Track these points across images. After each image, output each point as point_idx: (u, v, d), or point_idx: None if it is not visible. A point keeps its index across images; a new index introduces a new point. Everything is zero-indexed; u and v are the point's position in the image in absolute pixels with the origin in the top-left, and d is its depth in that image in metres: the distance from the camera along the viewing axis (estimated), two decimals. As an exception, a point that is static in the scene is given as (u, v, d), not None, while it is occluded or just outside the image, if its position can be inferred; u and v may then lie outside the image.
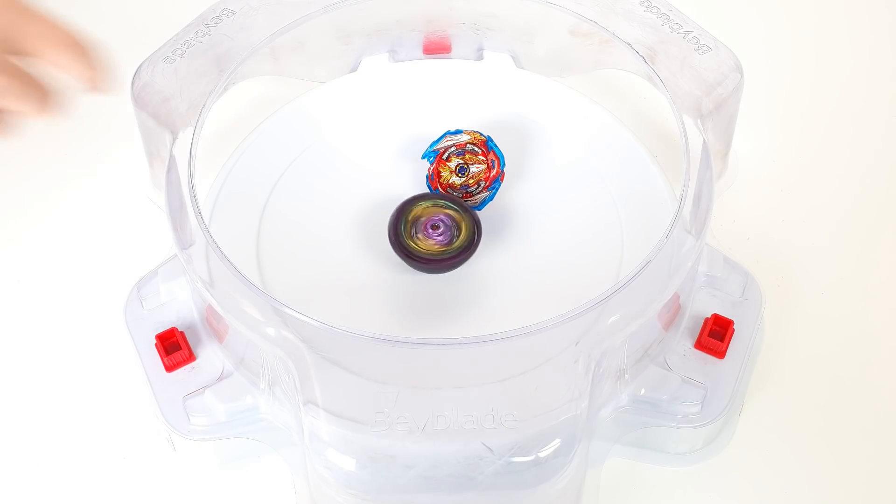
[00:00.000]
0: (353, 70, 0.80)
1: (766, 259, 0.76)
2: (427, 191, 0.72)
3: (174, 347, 0.68)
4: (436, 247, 0.68)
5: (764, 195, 0.80)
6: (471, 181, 0.71)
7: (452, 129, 0.72)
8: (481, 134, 0.72)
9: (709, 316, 0.69)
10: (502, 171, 0.71)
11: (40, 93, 0.59)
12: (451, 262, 0.68)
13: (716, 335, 0.68)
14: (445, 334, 0.63)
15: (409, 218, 0.69)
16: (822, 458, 0.69)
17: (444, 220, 0.68)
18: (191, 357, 0.68)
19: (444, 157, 0.71)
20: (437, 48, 0.80)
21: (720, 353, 0.68)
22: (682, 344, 0.68)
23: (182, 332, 0.68)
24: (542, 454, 0.60)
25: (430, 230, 0.68)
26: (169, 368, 0.67)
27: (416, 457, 0.60)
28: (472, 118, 0.76)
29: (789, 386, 0.71)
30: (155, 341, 0.68)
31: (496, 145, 0.71)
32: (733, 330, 0.68)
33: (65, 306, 0.75)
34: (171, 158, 0.68)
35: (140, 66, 0.72)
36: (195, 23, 0.74)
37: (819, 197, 0.80)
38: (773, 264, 0.76)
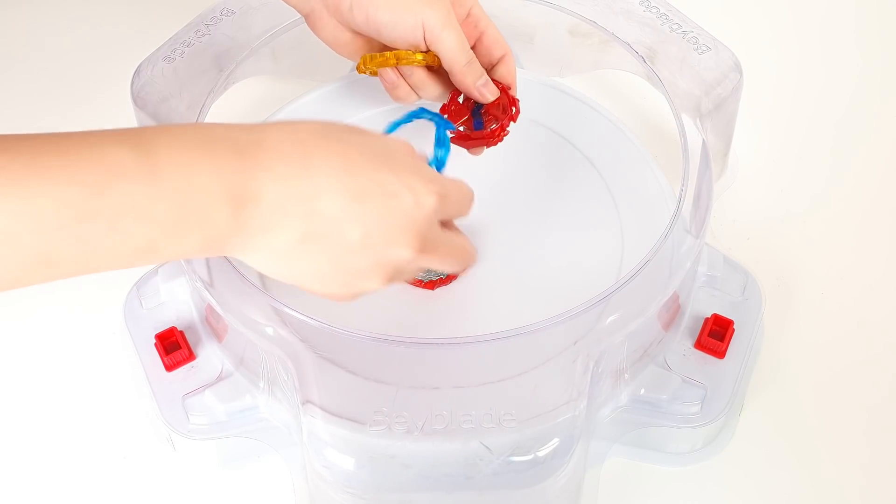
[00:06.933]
0: (353, 70, 0.80)
1: (766, 259, 0.76)
2: None
3: (174, 347, 0.68)
4: None
5: (764, 195, 0.80)
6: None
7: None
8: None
9: (709, 316, 0.69)
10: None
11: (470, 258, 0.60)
12: None
13: (716, 335, 0.68)
14: (445, 334, 0.63)
15: None
16: (821, 458, 0.69)
17: None
18: (190, 356, 0.68)
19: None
20: (437, 48, 0.80)
21: (720, 353, 0.68)
22: (682, 344, 0.68)
23: (181, 332, 0.68)
24: (541, 454, 0.60)
25: None
26: (168, 368, 0.67)
27: (414, 456, 0.60)
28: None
29: (789, 386, 0.71)
30: (154, 341, 0.68)
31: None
32: (733, 330, 0.68)
33: (65, 305, 0.75)
34: (171, 158, 0.68)
35: (140, 66, 0.72)
36: (195, 22, 0.74)
37: (818, 197, 0.80)
38: (773, 264, 0.76)
